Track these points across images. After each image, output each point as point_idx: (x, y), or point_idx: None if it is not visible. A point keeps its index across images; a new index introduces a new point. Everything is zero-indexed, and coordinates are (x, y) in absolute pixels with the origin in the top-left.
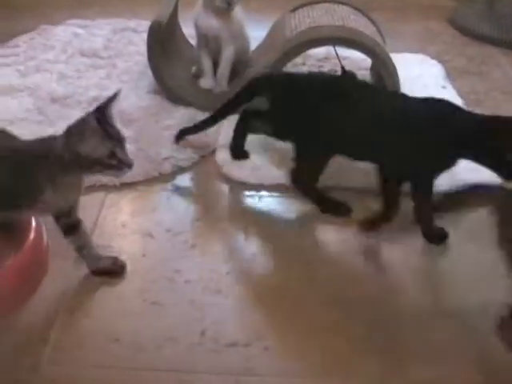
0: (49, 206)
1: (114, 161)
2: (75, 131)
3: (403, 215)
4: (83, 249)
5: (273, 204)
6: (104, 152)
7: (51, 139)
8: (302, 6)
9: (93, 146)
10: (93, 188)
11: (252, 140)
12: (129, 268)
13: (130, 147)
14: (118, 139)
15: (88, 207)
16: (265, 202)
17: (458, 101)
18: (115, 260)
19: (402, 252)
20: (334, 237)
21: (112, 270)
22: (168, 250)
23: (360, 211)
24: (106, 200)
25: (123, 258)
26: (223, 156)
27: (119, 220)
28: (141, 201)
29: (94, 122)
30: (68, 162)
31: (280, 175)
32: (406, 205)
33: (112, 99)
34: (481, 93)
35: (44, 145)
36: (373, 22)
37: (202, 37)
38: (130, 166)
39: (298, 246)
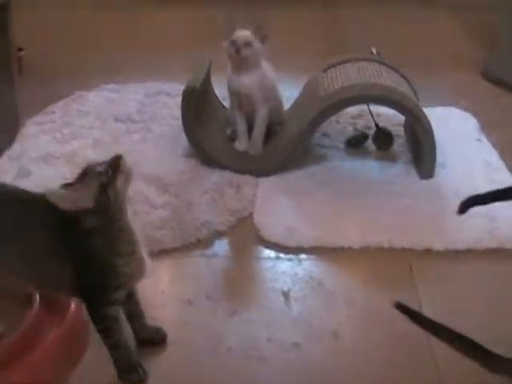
0: None
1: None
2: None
3: None
4: (133, 317)
5: (312, 267)
6: None
7: None
8: (334, 64)
9: None
10: None
11: (288, 201)
12: (170, 337)
13: (166, 213)
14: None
15: None
16: (304, 265)
17: (493, 153)
18: (158, 329)
19: None
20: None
21: (155, 340)
22: (208, 318)
23: None
24: None
25: (164, 326)
26: (260, 219)
27: (159, 288)
28: (179, 267)
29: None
30: None
31: (318, 237)
32: None
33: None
34: None
35: None
36: (405, 78)
37: (235, 98)
38: (118, 157)
39: (340, 311)
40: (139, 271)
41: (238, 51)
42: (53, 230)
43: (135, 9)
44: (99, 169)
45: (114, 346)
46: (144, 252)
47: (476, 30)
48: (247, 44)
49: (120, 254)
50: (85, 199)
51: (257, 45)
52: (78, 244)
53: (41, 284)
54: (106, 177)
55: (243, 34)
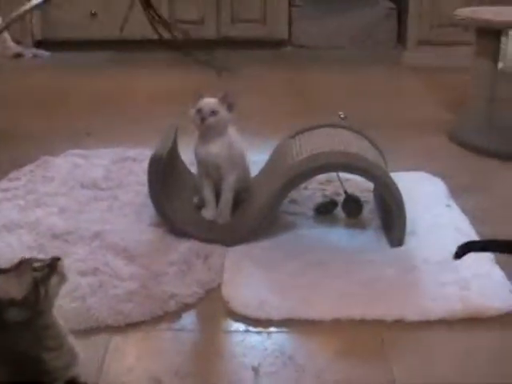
0: None
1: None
2: None
3: None
4: None
5: (283, 341)
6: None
7: None
8: (303, 131)
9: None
10: (96, 330)
11: (256, 272)
12: None
13: (133, 284)
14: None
15: (91, 351)
16: (274, 338)
17: (463, 219)
18: None
19: None
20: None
21: None
22: None
23: None
24: (111, 343)
25: None
26: (229, 290)
27: (126, 364)
28: (147, 342)
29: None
30: None
31: (288, 309)
32: None
33: None
34: (486, 210)
35: None
36: (374, 145)
37: (202, 166)
38: (58, 259)
39: None
40: (72, 361)
41: (203, 120)
42: None
43: (103, 71)
44: (36, 264)
45: None
46: (72, 340)
47: (442, 91)
48: (213, 113)
49: (48, 349)
50: (15, 290)
51: (223, 113)
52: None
53: None
54: (41, 273)
55: (209, 102)
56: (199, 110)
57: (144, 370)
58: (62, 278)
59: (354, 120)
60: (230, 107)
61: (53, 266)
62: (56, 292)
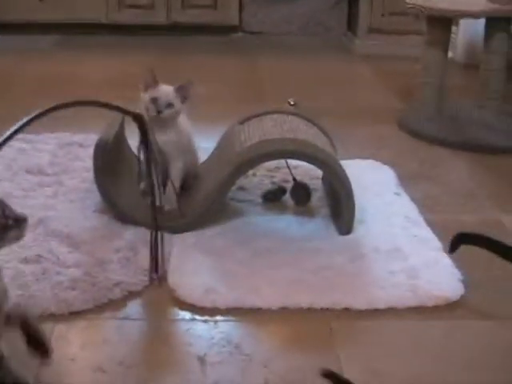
0: None
1: (8, 220)
2: None
3: None
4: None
5: (229, 330)
6: None
7: None
8: (251, 117)
9: None
10: (39, 318)
11: (204, 260)
12: None
13: (77, 272)
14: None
15: None
16: (221, 327)
17: (412, 207)
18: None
19: None
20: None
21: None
22: None
23: None
24: (55, 331)
25: None
26: (175, 278)
27: (69, 354)
28: (90, 331)
29: None
30: None
31: (235, 297)
32: None
33: None
34: (435, 197)
35: None
36: (324, 132)
37: None
38: (25, 219)
39: (258, 376)
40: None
41: (159, 112)
42: None
43: (49, 56)
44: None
45: None
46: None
47: (393, 80)
48: (169, 104)
49: None
50: None
51: (178, 105)
52: None
53: None
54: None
55: (166, 92)
56: (154, 100)
57: (87, 359)
58: (19, 236)
59: (304, 107)
60: (184, 98)
61: (19, 221)
62: (4, 245)
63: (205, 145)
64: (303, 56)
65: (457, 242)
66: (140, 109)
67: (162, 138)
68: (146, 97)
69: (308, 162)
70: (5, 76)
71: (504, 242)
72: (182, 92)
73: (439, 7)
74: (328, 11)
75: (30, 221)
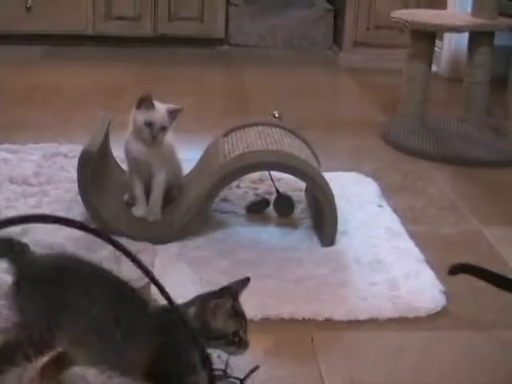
0: None
1: (237, 338)
2: (210, 308)
3: None
4: None
5: None
6: (231, 329)
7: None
8: (235, 129)
9: (224, 324)
10: None
11: (186, 270)
12: None
13: None
14: (243, 319)
15: None
16: None
17: (394, 219)
18: None
19: None
20: None
21: None
22: None
23: None
24: None
25: None
26: None
27: None
28: None
29: (229, 306)
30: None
31: None
32: None
33: (245, 284)
34: (417, 209)
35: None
36: (307, 144)
37: (133, 162)
38: (247, 346)
39: None
40: None
41: (154, 138)
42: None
43: (35, 66)
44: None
45: None
46: None
47: (377, 93)
48: (163, 128)
49: None
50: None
51: (169, 126)
52: None
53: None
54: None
55: (161, 116)
56: (150, 124)
57: None
58: None
59: (288, 120)
60: (174, 118)
61: None
62: None
63: (189, 156)
64: (288, 69)
65: (459, 270)
66: (130, 123)
67: (145, 149)
68: (140, 118)
69: (291, 173)
70: None
71: (506, 275)
72: (173, 115)
73: (423, 21)
74: (313, 24)
75: (14, 230)
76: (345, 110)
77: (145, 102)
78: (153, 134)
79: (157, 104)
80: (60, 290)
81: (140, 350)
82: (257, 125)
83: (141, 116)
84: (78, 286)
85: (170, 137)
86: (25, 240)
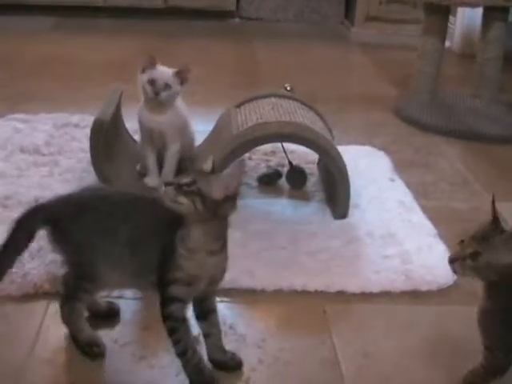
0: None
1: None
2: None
3: None
4: (210, 336)
5: (224, 310)
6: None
7: None
8: (248, 100)
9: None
10: (34, 296)
11: None
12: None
13: None
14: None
15: (30, 317)
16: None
17: (407, 193)
18: (233, 355)
19: None
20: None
21: (229, 365)
22: (116, 363)
23: None
24: (49, 308)
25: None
26: None
27: (63, 330)
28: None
29: None
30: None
31: (230, 279)
32: None
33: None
34: (429, 184)
35: None
36: (320, 116)
37: (146, 133)
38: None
39: (252, 356)
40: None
41: (156, 94)
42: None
43: (46, 38)
44: None
45: (182, 353)
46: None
47: (389, 68)
48: (167, 86)
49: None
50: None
51: (176, 87)
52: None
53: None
54: None
55: (163, 73)
56: (152, 81)
57: None
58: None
59: (300, 93)
60: (182, 81)
61: None
62: None
63: (200, 128)
64: (299, 43)
65: None
66: (138, 90)
67: (159, 119)
68: (143, 78)
69: (304, 145)
70: (1, 56)
71: None
72: (181, 75)
73: None
74: None
75: (26, 199)
76: (357, 84)
77: (147, 64)
78: (155, 89)
79: (161, 66)
80: (91, 224)
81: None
82: (270, 96)
83: (144, 77)
84: (105, 215)
85: (182, 108)
86: None
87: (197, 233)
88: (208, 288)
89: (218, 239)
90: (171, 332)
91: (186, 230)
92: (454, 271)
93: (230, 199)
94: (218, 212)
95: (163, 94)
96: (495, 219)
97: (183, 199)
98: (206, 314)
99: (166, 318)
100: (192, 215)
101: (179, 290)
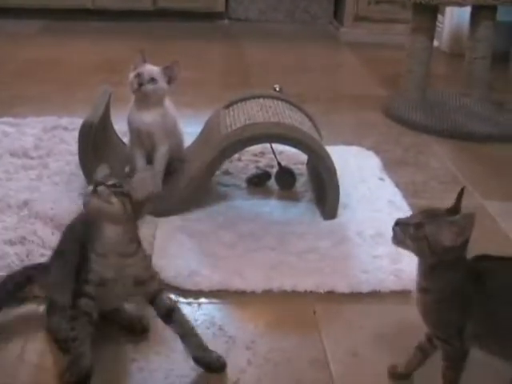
0: None
1: None
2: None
3: None
4: (184, 337)
5: (213, 312)
6: None
7: None
8: (236, 101)
9: None
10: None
11: (188, 243)
12: None
13: None
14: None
15: (18, 323)
16: (205, 309)
17: (396, 193)
18: (219, 357)
19: None
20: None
21: (214, 367)
22: (106, 364)
23: None
24: (38, 312)
25: None
26: (159, 261)
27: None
28: None
29: None
30: None
31: (220, 280)
32: None
33: None
34: (419, 183)
35: None
36: (308, 117)
37: (135, 134)
38: None
39: (241, 357)
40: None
41: (140, 85)
42: None
43: (35, 40)
44: None
45: (72, 339)
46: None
47: (379, 68)
48: (152, 79)
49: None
50: None
51: (162, 83)
52: None
53: None
54: None
55: (150, 68)
56: (138, 75)
57: None
58: None
59: (289, 94)
60: (170, 79)
61: None
62: None
63: (189, 129)
64: (289, 43)
65: None
66: (129, 90)
67: (147, 119)
68: (131, 75)
69: (293, 146)
70: None
71: None
72: (168, 72)
73: None
74: None
75: (15, 202)
76: (346, 84)
77: (137, 61)
78: (139, 81)
79: (150, 64)
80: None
81: None
82: (258, 97)
83: (131, 73)
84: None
85: (171, 109)
86: (24, 212)
87: (108, 236)
88: (137, 289)
89: (132, 241)
90: (71, 319)
91: (97, 234)
92: (395, 235)
93: (151, 200)
94: (141, 213)
95: (148, 86)
96: (455, 207)
97: (114, 199)
98: (167, 314)
99: (73, 307)
100: (117, 216)
101: (91, 289)
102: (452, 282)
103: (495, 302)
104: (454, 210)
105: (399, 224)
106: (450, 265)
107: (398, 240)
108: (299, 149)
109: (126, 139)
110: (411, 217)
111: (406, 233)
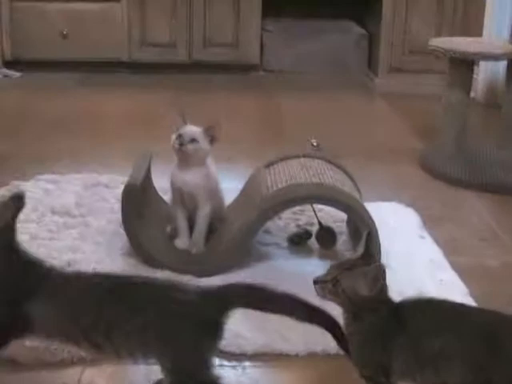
0: None
1: None
2: None
3: None
4: None
5: (257, 376)
6: None
7: None
8: (277, 160)
9: None
10: (69, 363)
11: None
12: None
13: None
14: None
15: None
16: (249, 373)
17: (437, 251)
18: None
19: None
20: None
21: None
22: None
23: None
24: (83, 375)
25: None
26: None
27: None
28: (121, 376)
29: None
30: None
31: (263, 343)
32: None
33: None
34: (459, 240)
35: None
36: (349, 176)
37: (178, 194)
38: None
39: None
40: None
41: (181, 146)
42: None
43: (72, 93)
44: None
45: None
46: None
47: (414, 119)
48: (193, 140)
49: None
50: None
51: (204, 144)
52: None
53: None
54: None
55: (191, 129)
56: (180, 136)
57: None
58: None
59: (326, 148)
60: (212, 140)
61: None
62: None
63: (227, 185)
64: (324, 95)
65: None
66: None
67: (190, 180)
68: (172, 137)
69: (334, 207)
70: (28, 113)
71: None
72: (210, 132)
73: (461, 50)
74: (348, 50)
75: (58, 263)
76: (381, 136)
77: (178, 123)
78: (180, 141)
79: (191, 126)
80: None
81: None
82: (299, 156)
83: (173, 135)
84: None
85: (213, 169)
86: None
87: None
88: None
89: None
90: None
91: None
92: (316, 293)
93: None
94: None
95: (189, 146)
96: (366, 253)
97: None
98: None
99: None
100: None
101: None
102: (374, 325)
103: (417, 339)
104: (367, 255)
105: (318, 282)
106: (371, 309)
107: (320, 296)
108: (340, 210)
109: (166, 197)
110: (327, 273)
111: (324, 289)
